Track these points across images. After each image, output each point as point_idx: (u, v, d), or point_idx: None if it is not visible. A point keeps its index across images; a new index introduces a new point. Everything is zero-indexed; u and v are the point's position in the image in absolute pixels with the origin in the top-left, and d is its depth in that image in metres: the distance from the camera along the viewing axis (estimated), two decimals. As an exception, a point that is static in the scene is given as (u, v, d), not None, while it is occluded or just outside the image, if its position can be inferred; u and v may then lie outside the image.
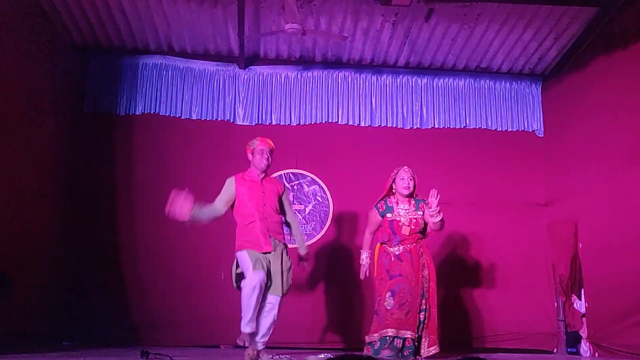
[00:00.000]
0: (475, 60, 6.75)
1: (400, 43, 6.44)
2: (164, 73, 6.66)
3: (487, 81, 6.95)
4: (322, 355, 4.62)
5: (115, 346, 5.41)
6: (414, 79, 6.89)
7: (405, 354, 4.38)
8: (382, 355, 4.35)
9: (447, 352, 4.58)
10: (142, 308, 6.01)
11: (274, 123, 6.66)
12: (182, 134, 6.56)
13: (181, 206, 4.28)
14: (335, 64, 6.85)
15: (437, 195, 4.41)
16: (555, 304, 6.31)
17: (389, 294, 4.47)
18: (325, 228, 6.51)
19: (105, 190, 6.32)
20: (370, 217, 4.84)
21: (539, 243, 6.49)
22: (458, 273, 6.28)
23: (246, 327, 4.29)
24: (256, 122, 6.61)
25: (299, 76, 6.81)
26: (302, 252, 4.78)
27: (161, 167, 6.40)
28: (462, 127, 6.84)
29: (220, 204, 4.54)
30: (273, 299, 4.41)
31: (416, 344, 4.42)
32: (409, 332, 4.38)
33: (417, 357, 4.42)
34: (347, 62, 6.85)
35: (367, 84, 6.84)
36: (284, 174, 6.56)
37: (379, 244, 4.76)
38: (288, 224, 4.79)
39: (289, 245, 4.66)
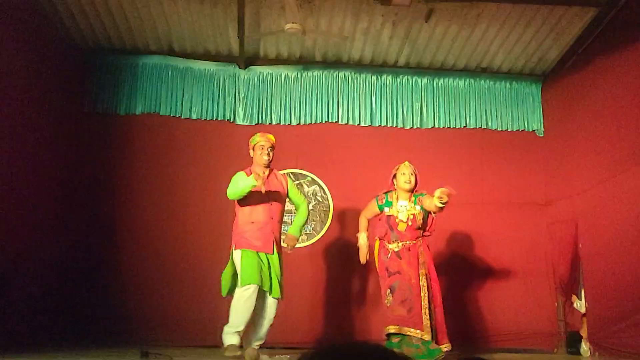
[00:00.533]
0: (475, 60, 6.75)
1: (400, 43, 6.44)
2: (164, 73, 6.66)
3: (487, 81, 6.95)
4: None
5: (115, 346, 5.40)
6: (414, 79, 6.89)
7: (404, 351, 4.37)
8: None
9: (447, 352, 4.55)
10: (142, 308, 5.99)
11: (274, 123, 6.65)
12: (182, 134, 6.56)
13: None
14: (335, 64, 6.84)
15: (453, 193, 4.25)
16: (555, 304, 6.31)
17: (388, 291, 4.51)
18: (326, 228, 6.51)
19: (105, 190, 6.32)
20: (369, 204, 4.87)
21: (539, 243, 6.49)
22: (458, 273, 6.27)
23: (233, 338, 4.23)
24: (256, 122, 6.61)
25: (299, 76, 6.81)
26: (295, 234, 4.69)
27: (161, 167, 6.41)
28: (462, 127, 6.84)
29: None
30: (271, 301, 4.39)
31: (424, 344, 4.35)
32: (412, 330, 4.35)
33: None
34: (347, 62, 6.84)
35: (367, 84, 6.84)
36: (284, 174, 6.55)
37: (377, 239, 4.76)
38: (297, 206, 4.76)
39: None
